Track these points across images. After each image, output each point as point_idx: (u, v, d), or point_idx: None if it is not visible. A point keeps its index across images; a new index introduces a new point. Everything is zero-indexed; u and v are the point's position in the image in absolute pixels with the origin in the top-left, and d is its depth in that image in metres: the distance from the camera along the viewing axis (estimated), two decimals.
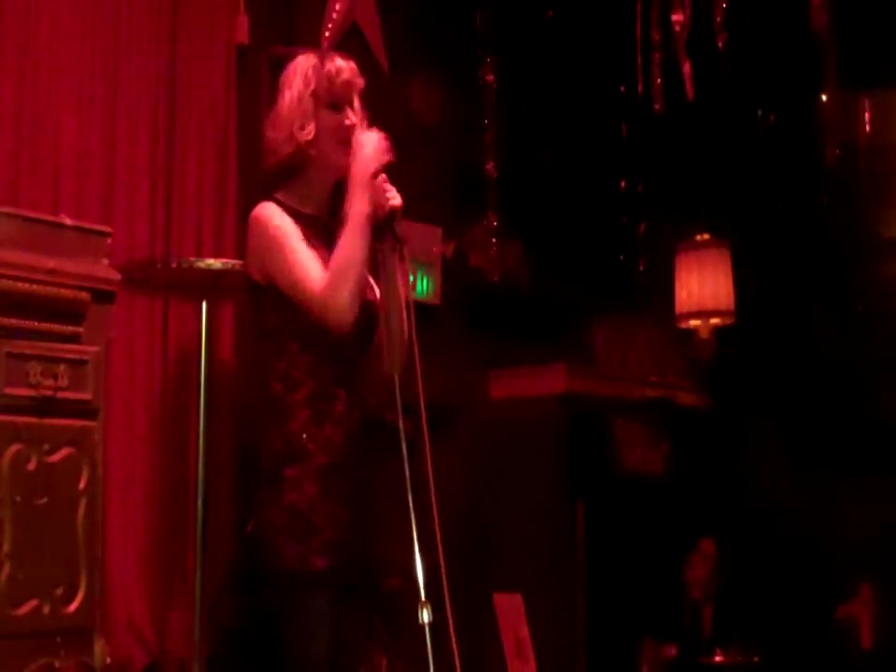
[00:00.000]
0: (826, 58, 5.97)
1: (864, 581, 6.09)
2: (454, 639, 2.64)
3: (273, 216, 2.78)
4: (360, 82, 2.88)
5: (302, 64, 2.86)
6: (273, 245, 2.75)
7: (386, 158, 2.79)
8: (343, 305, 2.69)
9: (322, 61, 2.85)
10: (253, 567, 2.79)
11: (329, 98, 2.83)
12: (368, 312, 2.83)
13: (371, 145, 2.78)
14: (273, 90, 2.90)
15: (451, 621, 2.62)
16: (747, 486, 6.35)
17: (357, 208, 2.74)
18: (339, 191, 2.87)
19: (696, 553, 6.11)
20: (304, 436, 2.73)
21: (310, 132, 2.80)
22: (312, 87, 2.82)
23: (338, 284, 2.68)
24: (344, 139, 2.83)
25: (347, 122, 2.84)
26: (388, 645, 4.40)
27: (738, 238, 6.47)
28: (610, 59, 6.10)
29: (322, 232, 2.86)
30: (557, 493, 5.75)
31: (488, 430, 5.88)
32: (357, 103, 2.88)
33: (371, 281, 2.88)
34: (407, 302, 2.85)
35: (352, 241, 2.72)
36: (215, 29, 4.99)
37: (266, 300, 2.77)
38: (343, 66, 2.85)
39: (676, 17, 5.58)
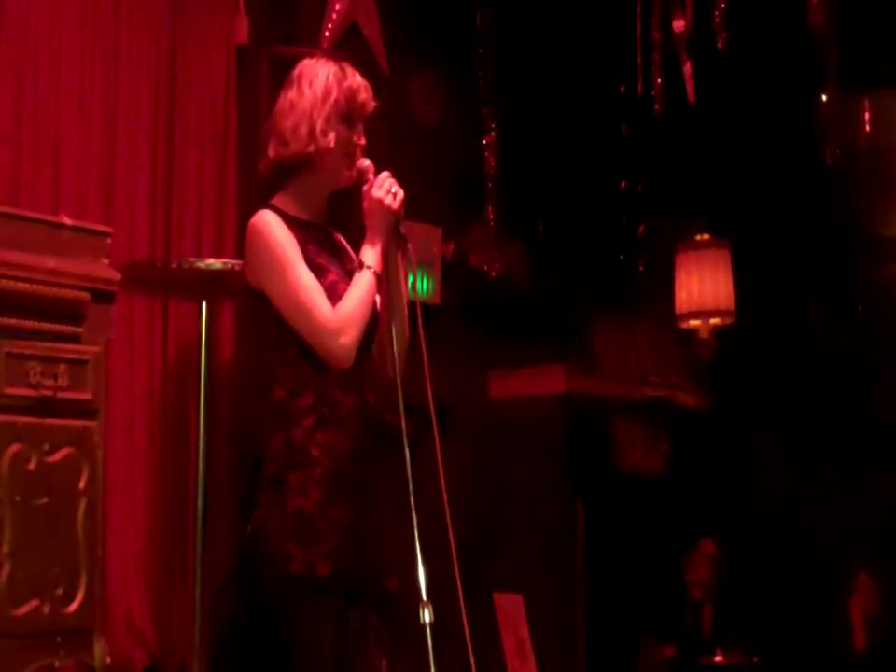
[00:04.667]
0: (826, 58, 5.97)
1: (861, 570, 6.08)
2: (468, 639, 2.63)
3: (272, 227, 2.75)
4: (373, 106, 2.89)
5: (323, 67, 2.84)
6: (273, 265, 2.73)
7: (394, 213, 2.79)
8: (349, 347, 2.71)
9: (343, 71, 2.84)
10: (255, 569, 2.77)
11: (347, 112, 2.83)
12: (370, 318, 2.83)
13: (380, 206, 2.78)
14: (273, 89, 2.89)
15: (465, 621, 2.62)
16: (746, 486, 6.35)
17: (373, 264, 2.77)
18: (334, 199, 2.88)
19: (696, 553, 6.11)
20: (307, 441, 2.72)
21: (331, 140, 2.79)
22: (334, 95, 2.81)
23: (348, 327, 2.71)
24: (352, 155, 2.83)
25: (358, 141, 2.84)
26: (388, 645, 4.40)
27: (738, 238, 6.47)
28: (610, 59, 6.10)
29: (322, 238, 2.85)
30: (557, 493, 5.75)
31: (488, 430, 5.88)
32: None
33: None
34: (412, 302, 2.84)
35: (363, 294, 2.74)
36: (215, 29, 4.99)
37: (266, 307, 2.76)
38: (362, 84, 2.85)
39: (677, 24, 5.59)
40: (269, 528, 2.72)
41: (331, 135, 2.79)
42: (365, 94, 2.85)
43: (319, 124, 2.79)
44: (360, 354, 2.81)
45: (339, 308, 2.72)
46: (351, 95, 2.83)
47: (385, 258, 2.82)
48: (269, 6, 5.23)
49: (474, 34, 6.07)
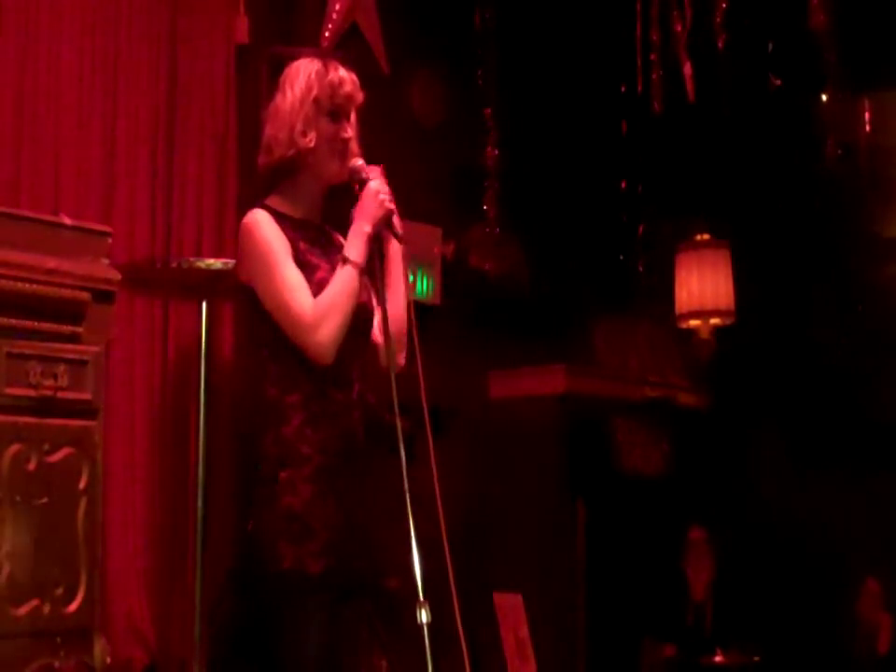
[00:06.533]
0: (826, 58, 5.97)
1: (869, 575, 6.07)
2: (463, 640, 2.63)
3: (262, 225, 2.77)
4: (360, 97, 2.88)
5: (306, 67, 2.85)
6: (260, 262, 2.74)
7: (387, 209, 2.78)
8: (326, 343, 2.70)
9: (326, 67, 2.84)
10: (250, 567, 2.78)
11: (330, 107, 2.82)
12: (362, 315, 2.83)
13: (374, 197, 2.77)
14: (273, 90, 2.89)
15: (459, 621, 2.62)
16: (747, 486, 6.35)
17: (354, 258, 2.75)
18: (329, 196, 2.88)
19: (696, 554, 6.10)
20: (298, 439, 2.72)
21: (311, 139, 2.79)
22: (314, 93, 2.81)
23: (324, 321, 2.70)
24: (340, 150, 2.83)
25: (344, 135, 2.83)
26: (388, 645, 4.40)
27: (738, 238, 6.47)
28: (610, 58, 6.10)
29: (316, 237, 2.86)
30: (557, 493, 5.75)
31: (488, 430, 5.88)
32: (353, 117, 2.88)
33: (367, 282, 2.88)
34: (408, 301, 2.84)
35: (340, 289, 2.72)
36: (215, 29, 4.99)
37: (256, 304, 2.77)
38: (346, 78, 2.84)
39: (677, 28, 5.61)
40: (261, 526, 2.72)
41: (311, 135, 2.79)
42: (350, 87, 2.84)
43: (298, 126, 2.79)
44: (356, 352, 2.82)
45: (316, 303, 2.71)
46: (333, 90, 2.82)
47: (383, 255, 2.83)
48: (269, 6, 5.23)
49: (474, 34, 6.07)
